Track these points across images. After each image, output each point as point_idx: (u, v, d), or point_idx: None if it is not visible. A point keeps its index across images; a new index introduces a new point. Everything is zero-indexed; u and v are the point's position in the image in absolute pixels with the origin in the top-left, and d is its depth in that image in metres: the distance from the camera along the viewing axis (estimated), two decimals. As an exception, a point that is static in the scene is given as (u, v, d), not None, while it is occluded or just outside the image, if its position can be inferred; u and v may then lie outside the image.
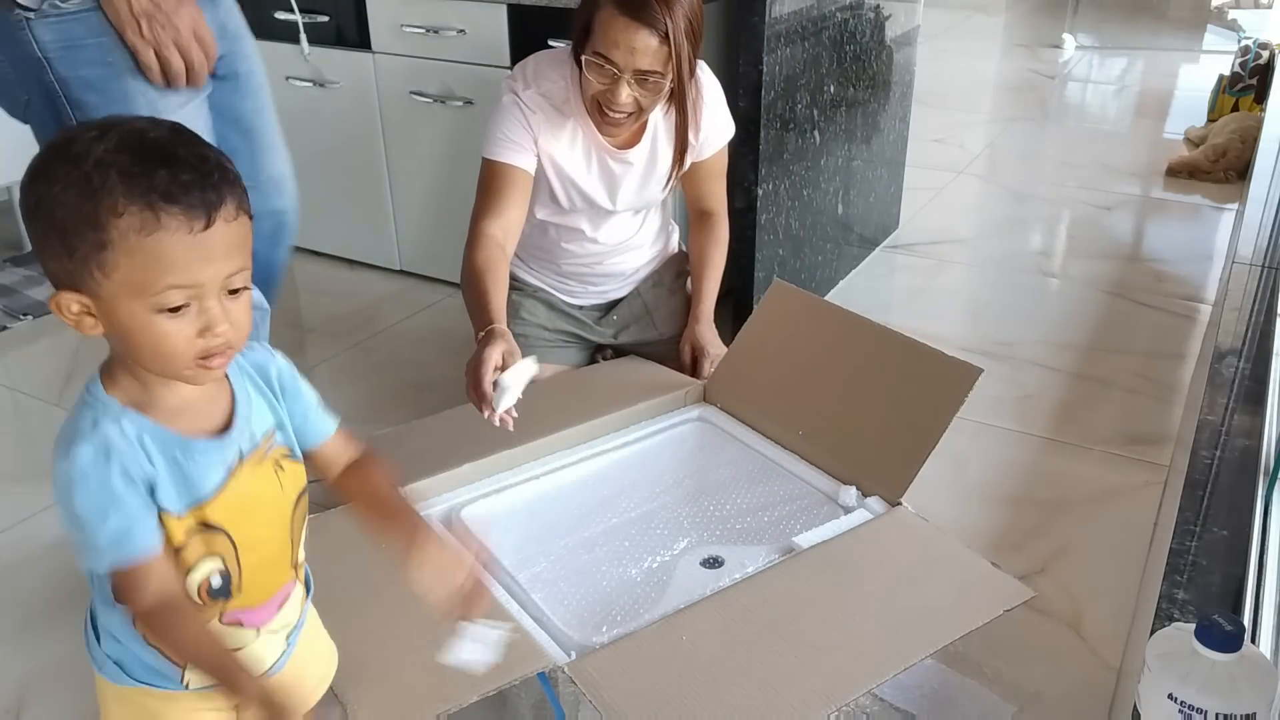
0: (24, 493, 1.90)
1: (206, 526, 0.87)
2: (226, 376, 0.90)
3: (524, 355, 1.80)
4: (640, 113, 1.60)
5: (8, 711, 1.43)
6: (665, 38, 1.50)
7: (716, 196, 1.85)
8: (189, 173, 0.77)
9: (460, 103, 2.42)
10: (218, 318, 0.80)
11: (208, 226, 0.78)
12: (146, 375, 0.85)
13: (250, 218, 0.84)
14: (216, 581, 0.89)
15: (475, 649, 0.95)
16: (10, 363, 2.43)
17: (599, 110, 1.60)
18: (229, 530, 0.89)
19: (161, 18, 1.18)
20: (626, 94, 1.55)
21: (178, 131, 0.81)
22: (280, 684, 0.96)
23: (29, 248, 3.00)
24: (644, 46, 1.50)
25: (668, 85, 1.57)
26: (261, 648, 0.96)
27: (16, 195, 2.95)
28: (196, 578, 0.88)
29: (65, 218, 0.76)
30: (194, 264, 0.78)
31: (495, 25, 2.29)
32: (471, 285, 1.57)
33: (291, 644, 0.99)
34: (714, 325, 1.85)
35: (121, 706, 0.96)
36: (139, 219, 0.75)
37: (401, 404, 1.83)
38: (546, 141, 1.64)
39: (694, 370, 1.79)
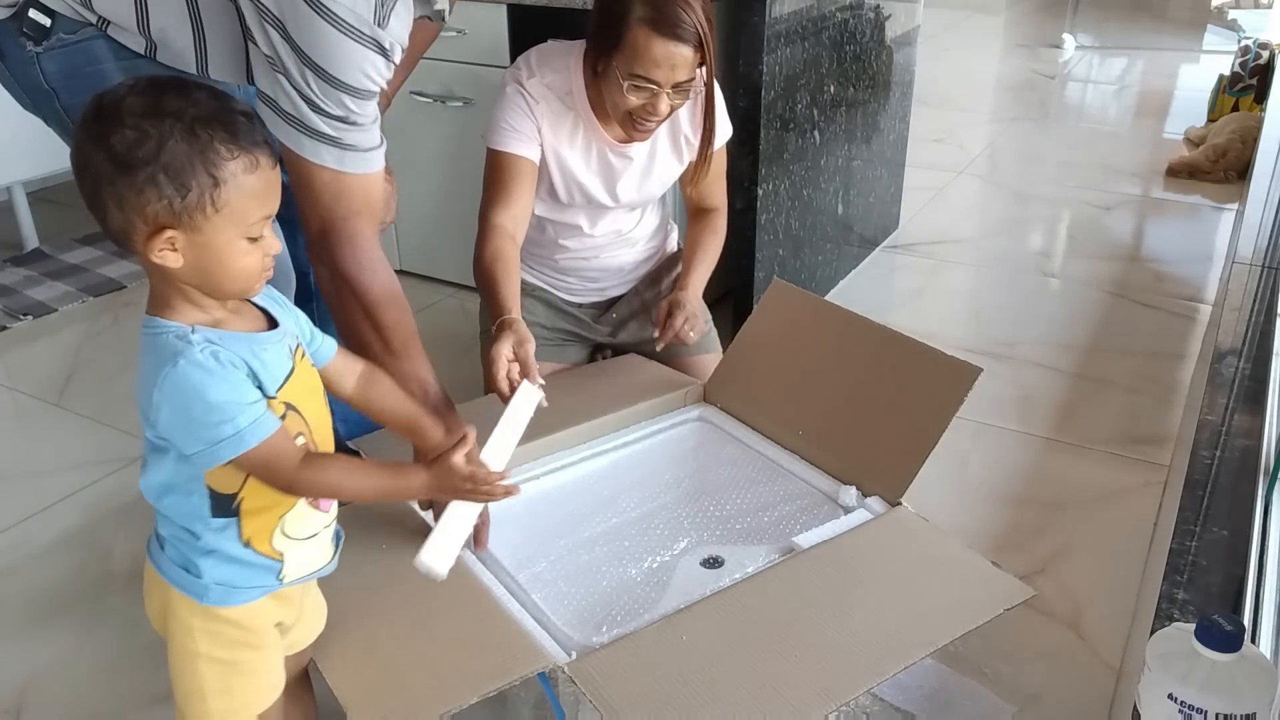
0: (24, 493, 1.90)
1: (291, 407, 0.99)
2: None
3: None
4: (671, 113, 1.61)
5: (8, 711, 1.43)
6: (699, 45, 1.51)
7: (718, 195, 1.85)
8: (256, 121, 0.92)
9: (460, 102, 2.42)
10: (272, 240, 0.95)
11: (273, 162, 0.93)
12: (202, 299, 0.95)
13: None
14: None
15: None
16: (10, 363, 2.43)
17: (632, 122, 1.59)
18: (302, 411, 1.01)
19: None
20: (666, 104, 1.56)
21: (208, 85, 0.93)
22: (306, 619, 1.12)
23: (29, 248, 3.01)
24: (682, 60, 1.51)
25: (699, 84, 1.58)
26: (320, 544, 1.08)
27: (17, 195, 2.95)
28: None
29: (182, 163, 0.87)
30: (270, 196, 0.93)
31: (495, 25, 2.29)
32: (483, 277, 1.58)
33: (338, 550, 1.12)
34: (701, 299, 1.82)
35: (207, 632, 1.03)
36: (244, 161, 0.90)
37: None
38: (549, 132, 1.64)
39: (665, 324, 1.72)
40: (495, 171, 1.64)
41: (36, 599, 1.63)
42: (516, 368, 1.41)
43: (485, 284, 1.56)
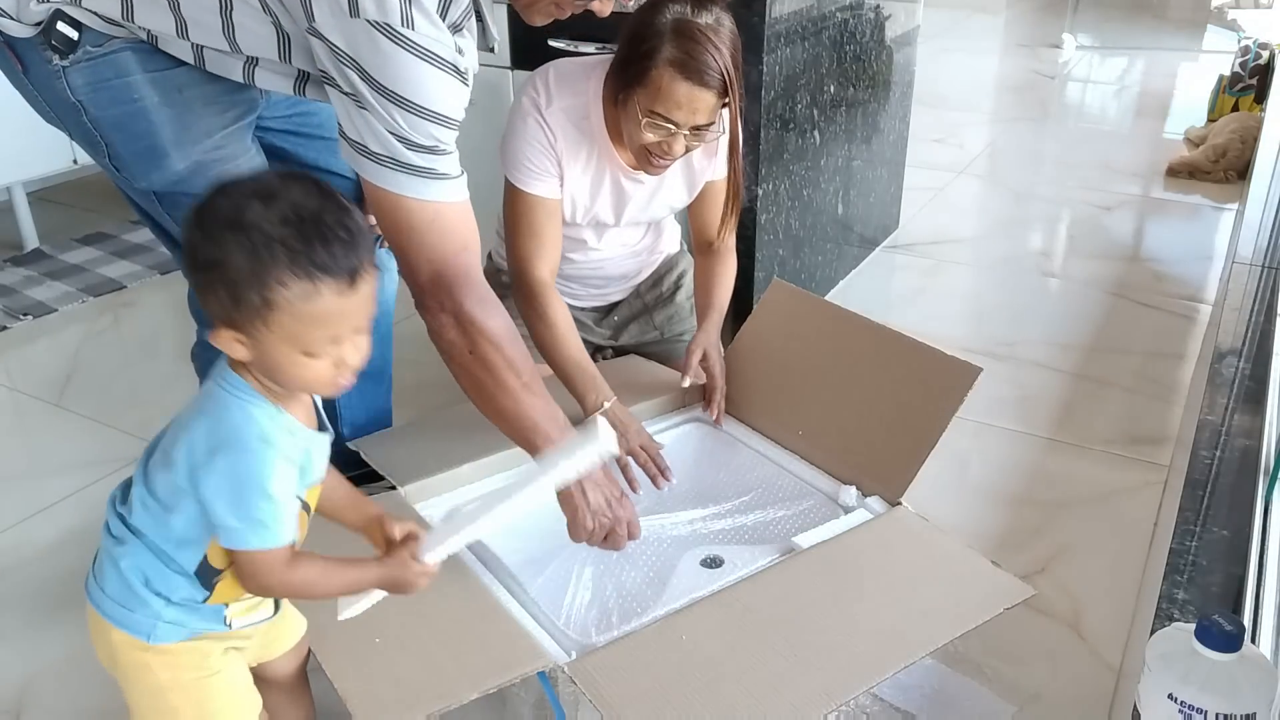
0: (24, 493, 1.90)
1: (304, 505, 1.00)
2: None
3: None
4: (687, 153, 1.60)
5: (8, 711, 1.43)
6: (724, 90, 1.48)
7: (729, 233, 1.80)
8: (337, 244, 0.88)
9: (460, 103, 2.42)
10: (349, 353, 0.93)
11: (352, 288, 0.90)
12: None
13: (376, 268, 0.94)
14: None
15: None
16: (10, 363, 2.43)
17: (648, 157, 1.57)
18: (310, 510, 1.03)
19: (608, 516, 1.31)
20: (682, 145, 1.53)
21: (324, 197, 0.90)
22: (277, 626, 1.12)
23: (29, 248, 3.00)
24: (705, 105, 1.48)
25: (719, 127, 1.56)
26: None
27: (17, 195, 2.95)
28: None
29: (237, 277, 0.87)
30: (340, 320, 0.91)
31: (496, 25, 2.28)
32: (563, 355, 1.56)
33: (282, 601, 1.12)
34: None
35: (166, 665, 1.03)
36: (301, 289, 0.87)
37: (401, 404, 1.83)
38: (567, 165, 1.61)
39: (694, 368, 1.73)
40: (525, 214, 1.61)
41: (37, 599, 1.63)
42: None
43: (569, 363, 1.55)
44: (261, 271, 0.86)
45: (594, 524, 1.30)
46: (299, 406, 0.98)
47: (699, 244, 1.81)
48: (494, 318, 1.25)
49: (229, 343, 0.91)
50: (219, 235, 0.87)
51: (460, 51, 1.18)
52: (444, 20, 1.16)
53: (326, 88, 1.19)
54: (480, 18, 1.24)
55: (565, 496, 1.31)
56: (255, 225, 0.86)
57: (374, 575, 1.03)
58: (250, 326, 0.89)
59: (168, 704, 1.04)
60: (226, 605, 1.02)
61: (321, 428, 1.01)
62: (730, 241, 1.80)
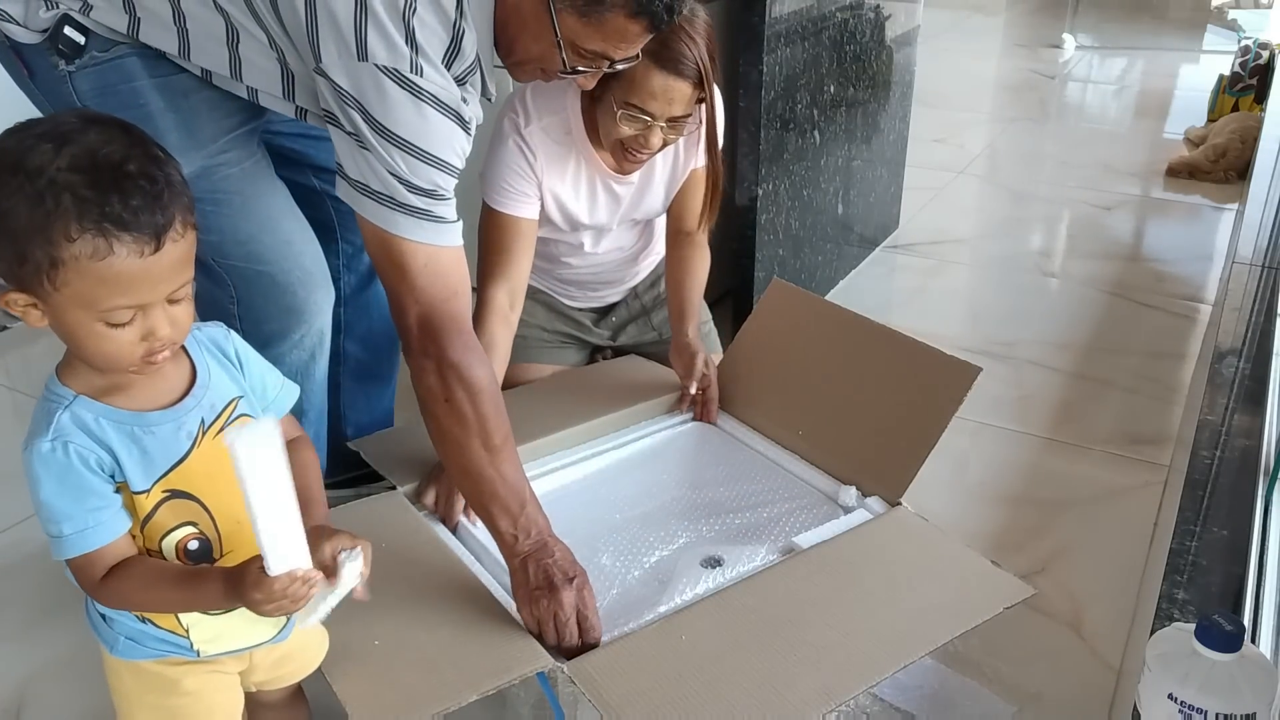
0: (24, 493, 1.90)
1: (176, 494, 0.90)
2: (186, 350, 0.93)
3: (522, 354, 1.79)
4: (664, 148, 1.59)
5: (7, 711, 1.43)
6: (699, 81, 1.48)
7: (698, 215, 1.76)
8: (139, 196, 0.79)
9: (460, 103, 2.42)
10: (160, 324, 0.84)
11: (157, 250, 0.81)
12: None
13: (196, 228, 0.86)
14: (194, 545, 0.93)
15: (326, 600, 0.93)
16: (10, 363, 2.43)
17: (623, 152, 1.57)
18: (200, 497, 0.92)
19: (550, 596, 1.19)
20: (658, 138, 1.53)
21: (132, 144, 0.82)
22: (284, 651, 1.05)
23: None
24: (680, 96, 1.48)
25: (695, 119, 1.56)
26: (253, 620, 0.96)
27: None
28: (170, 542, 0.92)
29: (18, 229, 0.78)
30: (142, 285, 0.81)
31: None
32: None
33: (293, 618, 1.00)
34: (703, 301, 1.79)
35: (136, 679, 0.99)
36: (91, 245, 0.78)
37: (400, 404, 1.83)
38: (550, 182, 1.61)
39: (690, 376, 1.70)
40: (495, 232, 1.60)
41: (37, 599, 1.63)
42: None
43: None
44: (45, 223, 0.77)
45: (535, 580, 1.20)
46: (142, 385, 0.89)
47: (672, 232, 1.77)
48: (476, 369, 1.22)
49: (24, 309, 0.82)
50: (1, 180, 0.78)
51: (464, 100, 1.18)
52: (449, 72, 1.17)
53: (329, 125, 1.18)
54: (480, 70, 1.24)
55: (511, 570, 1.24)
56: (40, 170, 0.77)
57: (214, 590, 0.89)
58: (38, 288, 0.80)
59: (135, 717, 1.01)
60: (187, 631, 0.95)
61: (190, 396, 0.90)
62: (703, 235, 1.78)
